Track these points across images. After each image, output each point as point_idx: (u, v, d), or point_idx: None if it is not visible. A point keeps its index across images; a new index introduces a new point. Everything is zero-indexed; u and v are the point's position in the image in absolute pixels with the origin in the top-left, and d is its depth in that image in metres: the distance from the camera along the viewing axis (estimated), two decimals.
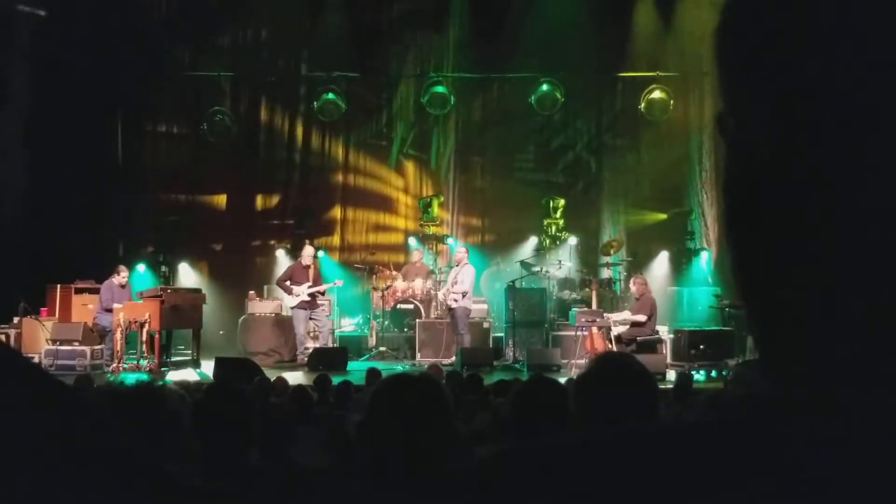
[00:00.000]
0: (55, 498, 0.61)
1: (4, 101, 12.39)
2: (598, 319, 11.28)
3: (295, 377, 9.44)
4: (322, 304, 12.63)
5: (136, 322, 10.53)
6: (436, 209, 15.16)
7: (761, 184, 0.56)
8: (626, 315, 11.36)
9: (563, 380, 4.31)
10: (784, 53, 0.54)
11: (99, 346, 11.09)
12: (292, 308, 12.23)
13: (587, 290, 13.27)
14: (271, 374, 8.00)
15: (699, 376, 10.34)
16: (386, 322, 13.08)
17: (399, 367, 10.99)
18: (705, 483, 0.52)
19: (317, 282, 12.37)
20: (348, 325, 14.07)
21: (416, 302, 13.12)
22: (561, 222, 15.00)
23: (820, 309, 0.53)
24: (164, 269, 14.49)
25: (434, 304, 13.18)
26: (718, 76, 0.59)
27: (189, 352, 11.87)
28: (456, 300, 11.81)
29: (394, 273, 13.68)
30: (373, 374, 7.43)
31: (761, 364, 0.58)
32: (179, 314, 11.20)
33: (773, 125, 0.55)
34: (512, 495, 0.56)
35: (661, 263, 14.95)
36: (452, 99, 14.92)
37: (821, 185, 0.53)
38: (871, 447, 0.51)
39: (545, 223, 15.01)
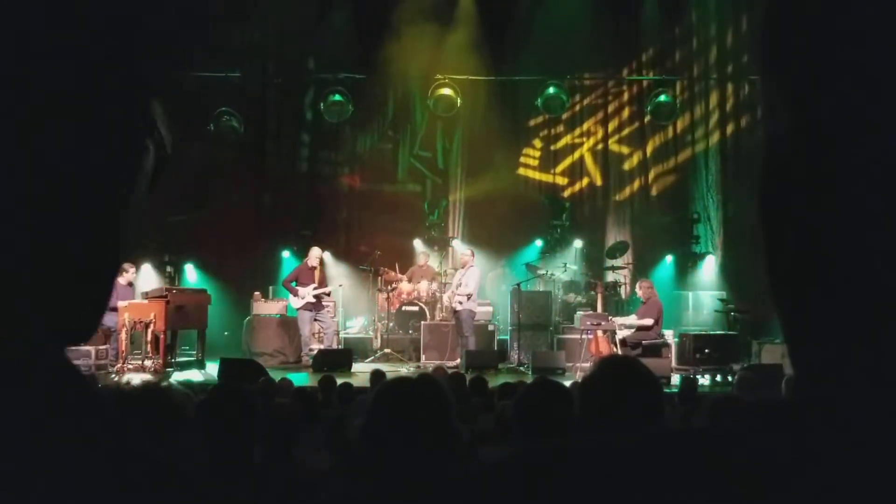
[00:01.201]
0: (61, 494, 0.61)
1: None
2: (603, 323, 11.26)
3: (299, 378, 9.44)
4: (327, 306, 12.64)
5: (140, 322, 10.53)
6: (442, 211, 15.16)
7: (789, 178, 0.56)
8: (632, 319, 11.33)
9: (567, 383, 4.30)
10: (814, 49, 0.54)
11: (104, 346, 11.08)
12: (297, 309, 12.25)
13: (592, 293, 13.27)
14: (276, 375, 8.00)
15: (704, 380, 10.32)
16: (391, 324, 13.08)
17: (404, 369, 10.99)
18: (713, 489, 0.52)
19: (322, 284, 12.39)
20: (353, 327, 14.07)
21: (421, 304, 13.12)
22: (567, 225, 14.99)
23: (846, 311, 0.53)
24: (169, 269, 14.51)
25: (439, 306, 13.18)
26: (758, 67, 0.59)
27: (194, 352, 11.88)
28: (461, 302, 11.81)
29: (399, 275, 13.67)
30: (377, 375, 7.43)
31: (792, 365, 0.58)
32: (184, 314, 11.21)
33: (798, 120, 0.55)
34: (515, 499, 0.55)
35: (666, 267, 14.93)
36: (459, 101, 14.92)
37: (844, 183, 0.52)
38: (883, 453, 0.50)
39: (551, 226, 15.00)
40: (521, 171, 15.88)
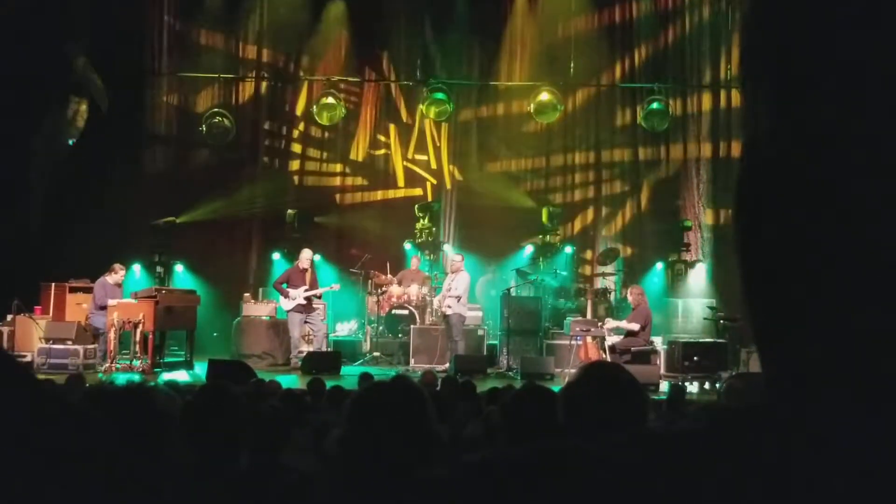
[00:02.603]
0: (38, 497, 0.60)
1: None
2: (592, 329, 11.27)
3: (288, 380, 9.42)
4: (317, 308, 12.61)
5: (129, 322, 10.50)
6: (433, 215, 15.15)
7: (769, 181, 0.55)
8: (620, 323, 11.34)
9: (556, 388, 4.30)
10: (796, 52, 0.54)
11: (92, 346, 11.06)
12: (288, 311, 12.21)
13: (582, 299, 13.29)
14: (265, 377, 7.98)
15: (692, 388, 10.34)
16: (380, 327, 13.05)
17: (392, 373, 10.96)
18: (690, 491, 0.52)
19: (313, 285, 12.36)
20: (343, 330, 14.04)
21: (411, 308, 13.09)
22: (557, 231, 15.01)
23: (820, 321, 0.53)
24: (159, 269, 14.45)
25: (429, 310, 13.17)
26: (741, 71, 0.59)
27: (182, 353, 11.85)
28: (450, 307, 11.80)
29: (389, 278, 13.66)
30: (365, 378, 7.41)
31: (762, 374, 0.57)
32: (173, 315, 11.18)
33: (780, 123, 0.54)
34: (493, 501, 0.55)
35: (657, 274, 14.97)
36: (452, 105, 14.93)
37: (823, 192, 0.52)
38: (861, 459, 0.50)
39: (541, 231, 15.02)
40: (513, 176, 15.89)
